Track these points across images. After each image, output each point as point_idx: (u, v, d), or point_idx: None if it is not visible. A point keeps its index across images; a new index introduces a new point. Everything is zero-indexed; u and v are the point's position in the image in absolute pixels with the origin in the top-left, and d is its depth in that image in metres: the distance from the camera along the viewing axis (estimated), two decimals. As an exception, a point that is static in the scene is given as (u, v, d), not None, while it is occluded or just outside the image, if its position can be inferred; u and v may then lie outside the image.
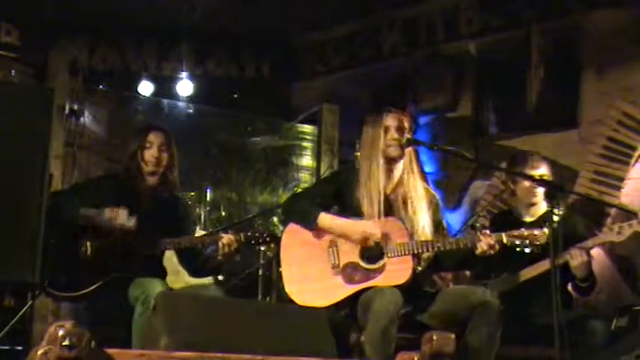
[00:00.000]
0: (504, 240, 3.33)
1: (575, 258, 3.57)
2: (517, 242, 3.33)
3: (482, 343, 3.22)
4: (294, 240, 3.51)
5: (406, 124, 3.53)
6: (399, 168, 3.54)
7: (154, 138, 3.80)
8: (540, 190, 3.86)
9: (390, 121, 3.52)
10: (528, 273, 3.73)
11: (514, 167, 3.96)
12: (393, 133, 3.50)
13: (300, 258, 3.47)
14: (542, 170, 3.85)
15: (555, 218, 3.16)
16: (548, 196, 3.64)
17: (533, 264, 3.69)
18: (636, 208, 3.57)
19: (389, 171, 3.52)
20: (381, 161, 3.49)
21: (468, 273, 4.16)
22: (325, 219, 3.45)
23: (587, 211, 4.76)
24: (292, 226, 3.53)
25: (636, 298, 4.56)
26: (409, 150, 3.54)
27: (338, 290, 3.37)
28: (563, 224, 3.66)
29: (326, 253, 3.44)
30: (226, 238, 3.64)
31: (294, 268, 3.47)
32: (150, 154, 3.76)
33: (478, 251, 3.32)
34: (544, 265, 3.63)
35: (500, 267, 3.84)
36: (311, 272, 3.43)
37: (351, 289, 3.36)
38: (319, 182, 4.22)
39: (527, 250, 3.36)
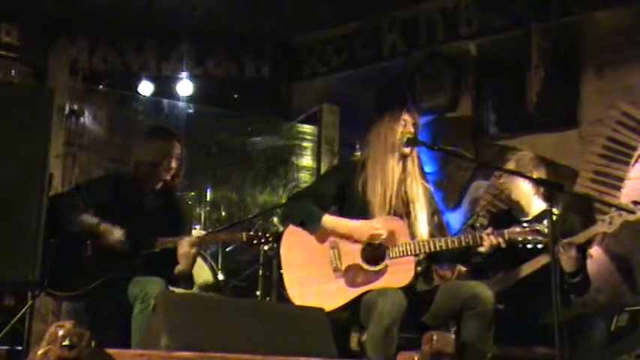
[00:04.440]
0: (506, 237, 3.33)
1: (564, 252, 3.56)
2: (519, 239, 3.33)
3: (474, 335, 3.21)
4: (294, 242, 3.48)
5: (419, 123, 3.54)
6: (403, 168, 3.52)
7: (177, 149, 3.83)
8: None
9: (408, 117, 3.51)
10: (525, 270, 3.73)
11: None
12: (410, 129, 3.49)
13: (302, 261, 3.44)
14: (509, 166, 3.89)
15: (553, 217, 3.16)
16: (545, 196, 3.65)
17: (528, 261, 3.70)
18: (635, 208, 3.56)
19: (398, 168, 3.50)
20: (397, 156, 3.48)
21: (463, 269, 4.16)
22: (329, 221, 3.42)
23: (585, 211, 4.76)
24: (292, 228, 3.50)
25: (636, 298, 4.57)
26: (415, 151, 3.53)
27: (341, 294, 3.35)
28: (561, 223, 3.67)
29: (327, 256, 3.41)
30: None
31: (295, 271, 3.44)
32: (172, 166, 3.79)
33: (482, 249, 3.33)
34: (540, 262, 3.63)
35: (497, 266, 3.84)
36: (313, 276, 3.40)
37: (354, 293, 3.33)
38: (319, 181, 4.20)
39: (529, 246, 3.36)
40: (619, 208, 3.62)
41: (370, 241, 3.36)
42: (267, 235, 3.72)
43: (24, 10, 5.88)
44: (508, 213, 4.07)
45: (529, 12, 5.46)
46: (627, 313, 4.12)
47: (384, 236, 3.34)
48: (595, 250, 4.69)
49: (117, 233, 3.61)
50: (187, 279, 3.79)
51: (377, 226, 3.36)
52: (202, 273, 4.95)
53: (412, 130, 3.49)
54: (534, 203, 3.88)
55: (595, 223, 3.72)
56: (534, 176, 3.72)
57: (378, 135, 3.53)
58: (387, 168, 3.45)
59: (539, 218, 3.69)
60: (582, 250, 3.65)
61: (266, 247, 4.91)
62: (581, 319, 3.56)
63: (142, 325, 3.28)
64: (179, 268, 3.68)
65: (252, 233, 3.71)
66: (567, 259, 3.57)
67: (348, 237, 3.40)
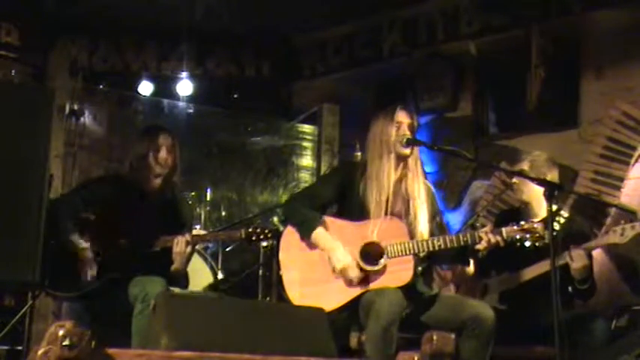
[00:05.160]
0: (504, 235, 3.32)
1: (576, 260, 3.55)
2: (517, 237, 3.32)
3: (472, 352, 3.22)
4: (293, 243, 3.47)
5: (415, 123, 3.53)
6: (403, 166, 3.51)
7: (164, 140, 3.81)
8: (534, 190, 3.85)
9: (402, 117, 3.48)
10: (529, 273, 3.72)
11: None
12: (405, 130, 3.47)
13: (300, 262, 3.44)
14: (523, 165, 3.86)
15: (560, 219, 3.15)
16: (548, 196, 3.63)
17: (534, 264, 3.69)
18: (636, 208, 3.56)
19: (395, 168, 3.48)
20: (392, 157, 3.46)
21: (469, 271, 4.15)
22: (319, 236, 3.39)
23: (586, 211, 4.76)
24: (291, 229, 3.50)
25: (636, 298, 4.56)
26: (416, 150, 3.52)
27: (340, 294, 3.34)
28: (569, 226, 3.66)
29: (326, 256, 3.41)
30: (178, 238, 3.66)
31: (294, 272, 3.44)
32: (160, 156, 3.78)
33: (480, 247, 3.32)
34: (545, 266, 3.62)
35: (501, 266, 3.84)
36: (312, 276, 3.40)
37: (353, 293, 3.33)
38: (319, 181, 4.19)
39: (527, 244, 3.35)
40: (619, 208, 3.62)
41: (339, 275, 3.34)
42: (266, 231, 3.71)
43: (24, 10, 5.88)
44: (512, 213, 4.05)
45: (529, 12, 5.46)
46: (627, 313, 4.12)
47: (354, 282, 3.32)
48: (596, 251, 4.68)
49: (91, 270, 3.58)
50: (183, 278, 3.78)
51: (353, 264, 3.32)
52: (203, 276, 4.95)
53: (407, 131, 3.46)
54: (545, 205, 3.86)
55: (602, 226, 3.71)
56: (548, 177, 3.69)
57: (373, 137, 3.52)
58: (381, 171, 3.44)
59: (544, 221, 3.68)
60: (590, 256, 3.64)
61: (265, 244, 4.90)
62: (581, 318, 3.56)
63: (142, 325, 3.28)
64: (174, 266, 3.68)
65: (250, 230, 3.71)
66: (579, 267, 3.55)
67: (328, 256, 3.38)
